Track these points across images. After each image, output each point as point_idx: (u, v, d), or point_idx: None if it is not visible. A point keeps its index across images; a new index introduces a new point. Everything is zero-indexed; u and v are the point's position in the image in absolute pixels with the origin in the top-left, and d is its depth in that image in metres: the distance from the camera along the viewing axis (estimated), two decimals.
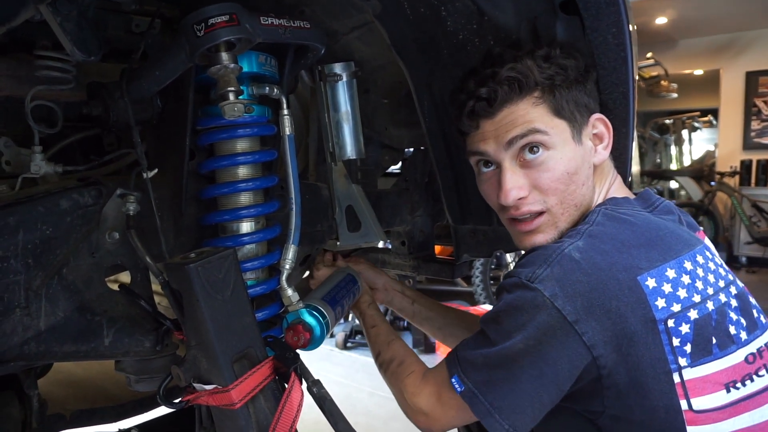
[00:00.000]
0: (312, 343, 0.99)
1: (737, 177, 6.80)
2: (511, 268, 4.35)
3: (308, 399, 0.87)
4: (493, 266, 4.59)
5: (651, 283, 0.80)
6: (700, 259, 0.87)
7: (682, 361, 0.81)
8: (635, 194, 0.99)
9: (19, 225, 0.80)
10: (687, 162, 7.76)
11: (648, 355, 0.79)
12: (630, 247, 0.83)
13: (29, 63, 0.91)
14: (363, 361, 3.85)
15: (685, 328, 0.81)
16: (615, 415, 0.83)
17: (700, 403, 0.81)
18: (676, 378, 0.80)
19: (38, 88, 0.89)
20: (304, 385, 0.88)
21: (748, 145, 6.92)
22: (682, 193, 7.60)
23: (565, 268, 0.80)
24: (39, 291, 0.83)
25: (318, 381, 0.89)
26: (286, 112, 0.97)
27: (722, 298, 0.86)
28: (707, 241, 0.95)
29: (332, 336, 4.12)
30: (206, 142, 0.97)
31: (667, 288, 0.81)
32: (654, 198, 0.96)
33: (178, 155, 0.95)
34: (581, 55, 0.93)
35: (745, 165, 6.81)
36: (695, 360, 0.81)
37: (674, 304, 0.81)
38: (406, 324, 4.28)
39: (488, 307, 4.27)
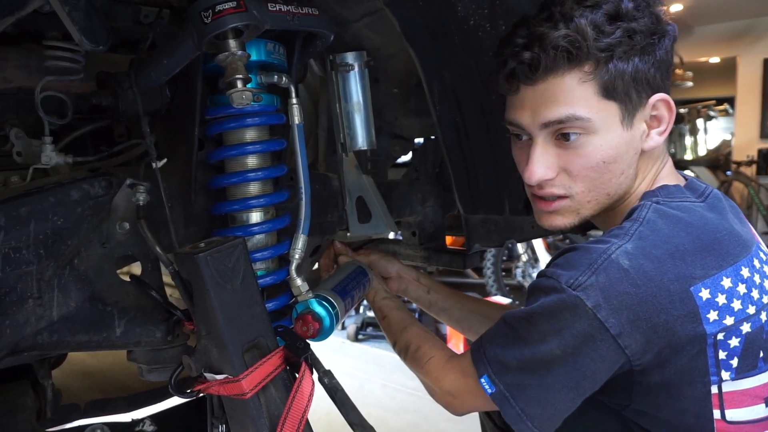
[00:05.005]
0: (321, 334, 0.99)
1: (754, 166, 6.68)
2: (523, 259, 4.33)
3: (320, 390, 0.86)
4: (504, 257, 4.56)
5: (705, 294, 0.74)
6: (756, 263, 0.81)
7: (725, 375, 0.76)
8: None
9: (31, 216, 0.80)
10: (702, 152, 7.64)
11: (688, 366, 0.75)
12: (684, 253, 0.75)
13: (39, 53, 0.91)
14: (374, 353, 3.86)
15: (734, 342, 0.76)
16: (641, 410, 0.79)
17: (734, 414, 0.77)
18: (714, 389, 0.76)
19: (48, 78, 0.89)
20: (316, 375, 0.87)
21: (765, 133, 6.79)
22: None
23: (612, 277, 0.73)
24: (51, 281, 0.83)
25: (329, 371, 0.88)
26: (294, 101, 0.96)
27: None
28: (756, 235, 0.89)
29: (343, 328, 4.13)
30: (215, 132, 0.96)
31: (721, 299, 0.75)
32: (702, 186, 0.87)
33: (187, 145, 0.95)
34: (658, 12, 0.80)
35: (763, 154, 6.69)
36: (740, 374, 0.76)
37: (727, 317, 0.75)
38: (417, 316, 4.28)
39: (501, 299, 4.25)
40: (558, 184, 0.85)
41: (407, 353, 1.01)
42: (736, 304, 0.76)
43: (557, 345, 0.75)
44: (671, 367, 0.75)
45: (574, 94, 0.79)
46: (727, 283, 0.76)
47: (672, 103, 0.83)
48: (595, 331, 0.73)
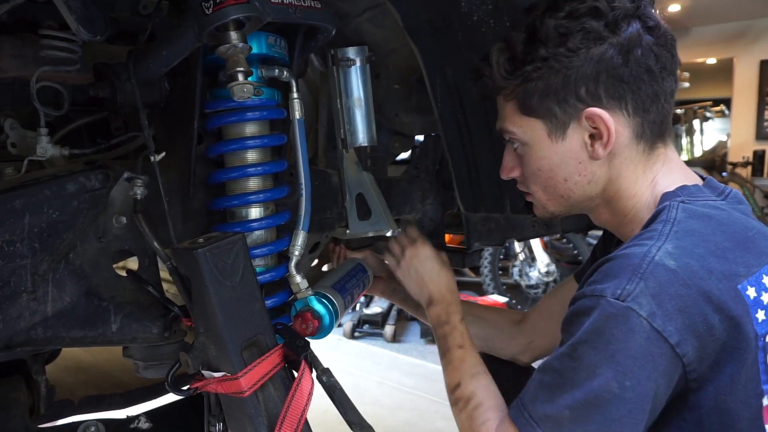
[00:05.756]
0: (321, 331, 0.97)
1: (749, 167, 6.71)
2: (520, 258, 4.32)
3: (317, 388, 0.85)
4: (501, 256, 4.56)
5: (751, 292, 0.71)
6: None
7: None
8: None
9: (25, 208, 0.79)
10: (698, 152, 7.66)
11: (743, 376, 0.71)
12: (725, 250, 0.72)
13: (35, 43, 0.89)
14: (371, 350, 3.85)
15: None
16: None
17: None
18: (765, 401, 0.72)
19: (44, 68, 0.87)
20: (314, 373, 0.86)
21: (761, 135, 6.82)
22: None
23: (661, 280, 0.68)
24: (46, 275, 0.82)
25: (328, 369, 0.87)
26: (295, 95, 0.95)
27: None
28: None
29: (340, 325, 4.13)
30: (215, 126, 0.95)
31: (766, 298, 0.72)
32: (720, 185, 0.85)
33: (186, 139, 0.94)
34: (594, 25, 0.77)
35: (758, 155, 6.72)
36: None
37: None
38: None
39: (497, 298, 4.24)
40: (521, 182, 0.95)
41: (467, 405, 0.87)
42: None
43: (612, 376, 0.67)
44: (725, 380, 0.70)
45: (504, 111, 0.89)
46: (767, 280, 0.74)
47: (604, 115, 0.79)
48: (653, 345, 0.67)
